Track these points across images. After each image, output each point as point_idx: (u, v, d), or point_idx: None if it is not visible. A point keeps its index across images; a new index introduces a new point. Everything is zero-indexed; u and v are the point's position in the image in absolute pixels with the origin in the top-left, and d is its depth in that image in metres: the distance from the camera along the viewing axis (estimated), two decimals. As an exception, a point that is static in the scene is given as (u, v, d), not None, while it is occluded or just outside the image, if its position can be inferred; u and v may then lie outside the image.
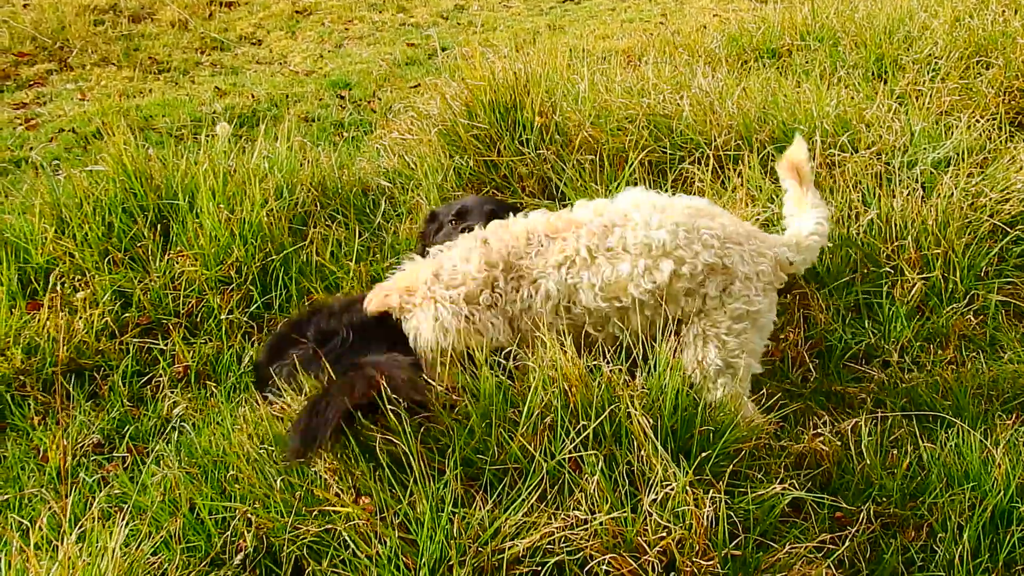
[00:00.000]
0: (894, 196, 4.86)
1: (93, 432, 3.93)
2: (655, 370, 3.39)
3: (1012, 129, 5.94)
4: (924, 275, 4.56)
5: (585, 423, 3.14)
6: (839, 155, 5.27)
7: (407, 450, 3.07)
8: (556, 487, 3.10)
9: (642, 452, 3.14)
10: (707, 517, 2.97)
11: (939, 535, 3.31)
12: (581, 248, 3.63)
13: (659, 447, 3.11)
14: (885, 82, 6.88)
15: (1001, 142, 5.53)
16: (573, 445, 3.10)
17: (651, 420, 3.16)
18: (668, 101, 5.79)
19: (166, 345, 4.42)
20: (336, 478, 3.17)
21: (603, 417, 3.13)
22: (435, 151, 5.56)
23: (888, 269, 4.60)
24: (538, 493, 3.06)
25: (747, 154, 5.24)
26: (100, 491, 3.54)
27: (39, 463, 3.78)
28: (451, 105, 5.57)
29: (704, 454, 3.20)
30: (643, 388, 3.31)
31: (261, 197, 4.84)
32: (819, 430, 3.74)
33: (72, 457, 3.75)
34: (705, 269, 3.63)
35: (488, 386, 3.28)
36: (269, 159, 5.42)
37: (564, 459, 3.11)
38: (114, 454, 3.83)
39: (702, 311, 3.69)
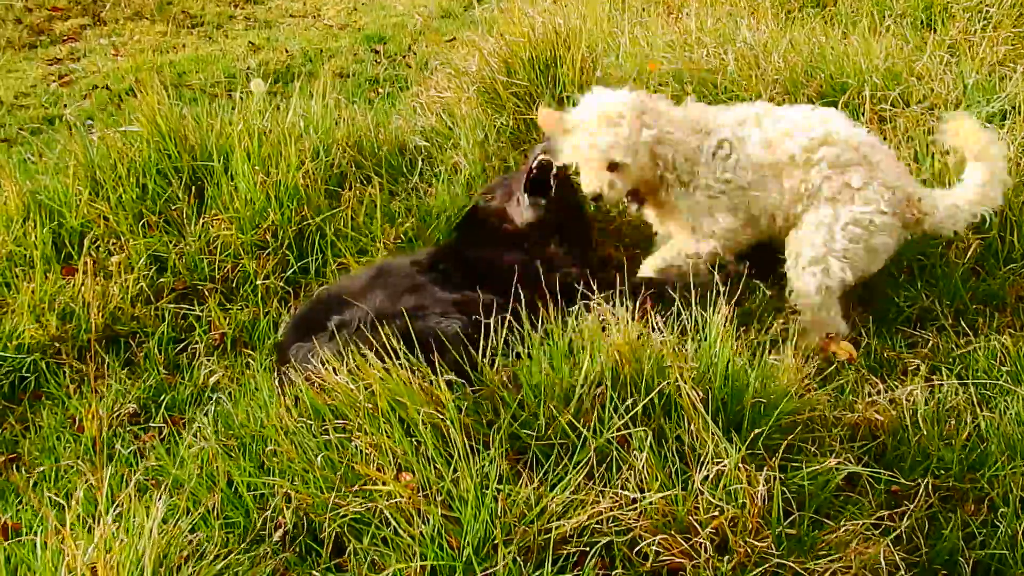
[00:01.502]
0: (947, 152, 4.67)
1: (129, 401, 3.88)
2: (706, 340, 3.27)
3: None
4: (980, 235, 4.38)
5: (635, 397, 3.03)
6: (890, 110, 5.07)
7: (451, 424, 2.99)
8: (604, 464, 3.00)
9: (692, 427, 3.02)
10: (760, 495, 2.86)
11: (1000, 509, 3.19)
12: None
13: (709, 421, 2.99)
14: (934, 31, 6.64)
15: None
16: (623, 421, 2.99)
17: (701, 393, 3.05)
18: (712, 55, 5.60)
19: (202, 311, 4.35)
20: (378, 452, 3.08)
21: (653, 393, 3.01)
22: (474, 109, 5.41)
23: (943, 229, 4.43)
24: (586, 471, 2.96)
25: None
26: (136, 463, 3.49)
27: (74, 433, 3.74)
28: (489, 62, 5.41)
29: (756, 429, 3.09)
30: (693, 360, 3.19)
31: (297, 159, 4.72)
32: (874, 399, 3.61)
33: (108, 428, 3.70)
34: (857, 155, 4.04)
35: (538, 357, 3.18)
36: (304, 118, 5.30)
37: (612, 435, 3.01)
38: (150, 424, 3.78)
39: (835, 199, 4.03)
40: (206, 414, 3.73)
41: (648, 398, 3.00)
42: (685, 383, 3.02)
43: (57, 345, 4.15)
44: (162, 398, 3.90)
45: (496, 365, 3.26)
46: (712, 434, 2.98)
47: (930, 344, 4.05)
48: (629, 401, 3.05)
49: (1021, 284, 4.31)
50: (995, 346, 3.98)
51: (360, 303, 3.58)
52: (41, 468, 3.56)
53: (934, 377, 3.82)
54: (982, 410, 3.57)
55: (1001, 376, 3.79)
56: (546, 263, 3.87)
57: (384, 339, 3.19)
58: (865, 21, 6.58)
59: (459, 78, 5.80)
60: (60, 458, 3.58)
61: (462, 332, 3.38)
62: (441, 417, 3.05)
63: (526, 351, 3.26)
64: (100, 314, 4.22)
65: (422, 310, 3.53)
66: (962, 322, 4.15)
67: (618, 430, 3.01)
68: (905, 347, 4.09)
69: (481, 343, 3.29)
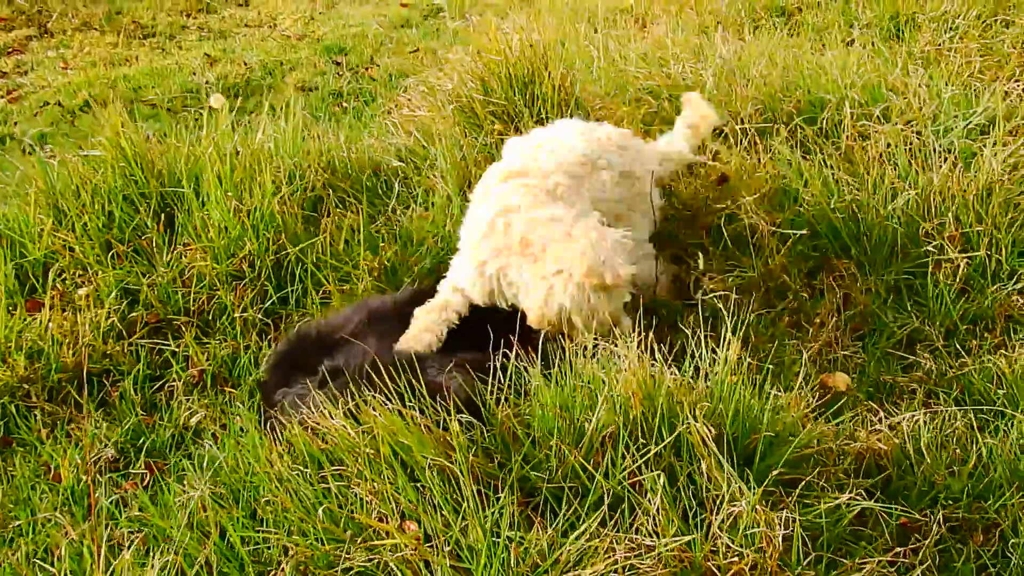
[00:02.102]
0: (929, 168, 4.65)
1: (107, 446, 3.71)
2: (716, 371, 3.18)
3: (1036, 90, 5.72)
4: (967, 254, 4.36)
5: (645, 441, 2.94)
6: (871, 126, 5.05)
7: (460, 469, 2.88)
8: (616, 507, 2.90)
9: (704, 465, 2.94)
10: (779, 538, 2.78)
11: (1011, 540, 3.14)
12: None
13: (724, 461, 2.91)
14: (900, 40, 6.66)
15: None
16: (636, 465, 2.90)
17: (712, 429, 2.96)
18: (689, 71, 5.54)
19: (178, 346, 4.18)
20: (380, 500, 2.96)
21: (668, 440, 2.92)
22: (451, 128, 5.29)
23: (930, 248, 4.40)
24: (598, 516, 2.86)
25: (775, 127, 5.04)
26: (119, 514, 3.33)
27: (51, 483, 3.56)
28: (465, 81, 5.30)
29: (766, 463, 3.02)
30: (705, 394, 3.10)
31: (273, 184, 4.57)
32: (876, 427, 3.56)
33: (86, 475, 3.53)
34: None
35: (549, 397, 3.07)
36: (275, 139, 5.14)
37: (624, 477, 2.91)
38: (131, 470, 3.62)
39: None
40: (190, 457, 3.58)
41: (664, 443, 2.91)
42: (698, 421, 2.93)
43: (26, 387, 3.96)
44: (141, 442, 3.73)
45: (503, 405, 3.16)
46: (726, 473, 2.89)
47: (926, 367, 4.00)
48: (641, 441, 2.95)
49: (1009, 303, 4.28)
50: (990, 368, 3.95)
51: (351, 348, 3.45)
52: (17, 522, 3.38)
53: (931, 401, 3.79)
54: (983, 435, 3.54)
55: (998, 399, 3.76)
56: None
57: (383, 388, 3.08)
58: (836, 33, 6.59)
59: (433, 96, 5.67)
60: (36, 510, 3.40)
61: (465, 388, 3.26)
62: (449, 462, 2.93)
63: (534, 391, 3.15)
64: (70, 352, 4.04)
65: (420, 362, 3.40)
66: (955, 343, 4.13)
67: (630, 472, 2.92)
68: (899, 370, 4.05)
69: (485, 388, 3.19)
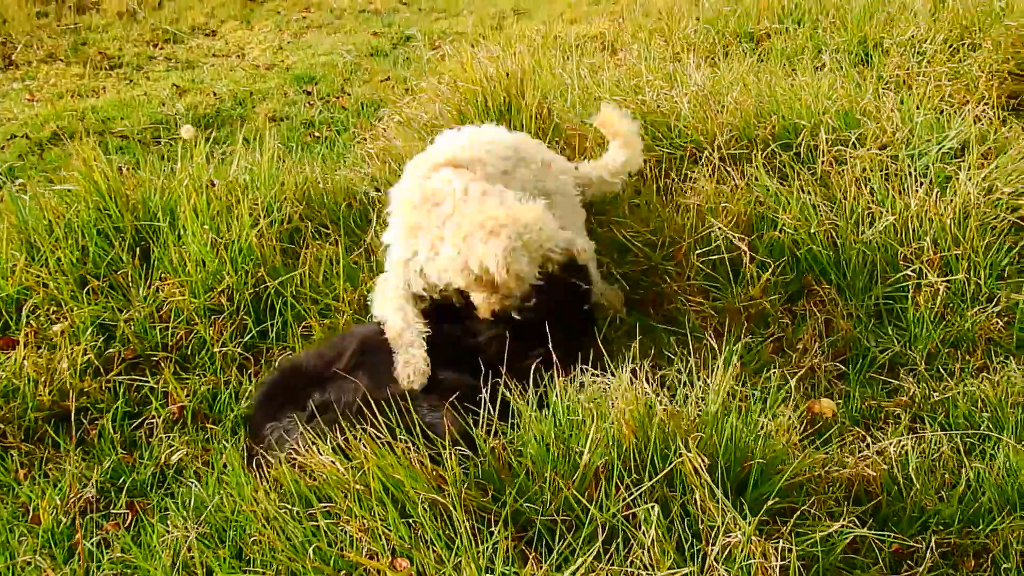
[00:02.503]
0: (905, 193, 4.69)
1: (87, 486, 3.62)
2: (709, 400, 3.17)
3: (1004, 114, 5.80)
4: (947, 277, 4.39)
5: (638, 472, 2.92)
6: (847, 151, 5.08)
7: (452, 504, 2.84)
8: (611, 540, 2.87)
9: (697, 495, 2.92)
10: (776, 569, 2.76)
11: (1003, 565, 3.14)
12: None
13: (718, 492, 2.89)
14: (868, 65, 6.73)
15: (998, 129, 5.37)
16: (632, 497, 2.87)
17: (706, 459, 2.95)
18: (664, 98, 5.56)
19: (157, 382, 4.11)
20: (370, 538, 2.91)
21: (663, 471, 2.90)
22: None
23: (909, 272, 4.43)
24: (593, 550, 2.83)
25: (751, 153, 5.06)
26: (101, 556, 3.25)
27: (30, 525, 3.47)
28: (441, 112, 5.28)
29: (758, 491, 3.01)
30: (697, 423, 3.09)
31: (250, 217, 4.52)
32: (864, 453, 3.55)
33: (66, 516, 3.45)
34: None
35: (542, 429, 3.05)
36: (251, 171, 5.09)
37: (619, 509, 2.88)
38: (112, 510, 3.54)
39: None
40: (172, 496, 3.51)
41: (660, 475, 2.89)
42: (692, 451, 2.91)
43: (1, 426, 3.87)
44: (122, 481, 3.64)
45: (496, 437, 3.13)
46: (720, 505, 2.87)
47: (910, 392, 4.01)
48: (635, 474, 2.93)
49: (989, 326, 4.31)
50: (974, 391, 3.96)
51: (342, 382, 3.41)
52: (-4, 567, 3.31)
53: (917, 426, 3.80)
54: (971, 459, 3.54)
55: (983, 423, 3.77)
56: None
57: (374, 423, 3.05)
58: (808, 58, 6.65)
59: (408, 126, 5.64)
60: (16, 553, 3.31)
61: (460, 421, 3.23)
62: (441, 496, 2.89)
63: (526, 422, 3.13)
64: (46, 390, 3.96)
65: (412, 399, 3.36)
66: (938, 367, 4.15)
67: (625, 504, 2.89)
68: (883, 394, 4.06)
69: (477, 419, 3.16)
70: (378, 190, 5.21)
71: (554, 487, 2.93)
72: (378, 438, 3.02)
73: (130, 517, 3.47)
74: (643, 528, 2.84)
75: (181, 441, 3.84)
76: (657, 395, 3.13)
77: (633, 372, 3.20)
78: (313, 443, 3.11)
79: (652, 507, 2.84)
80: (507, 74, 5.11)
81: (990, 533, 3.24)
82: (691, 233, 4.61)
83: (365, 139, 6.26)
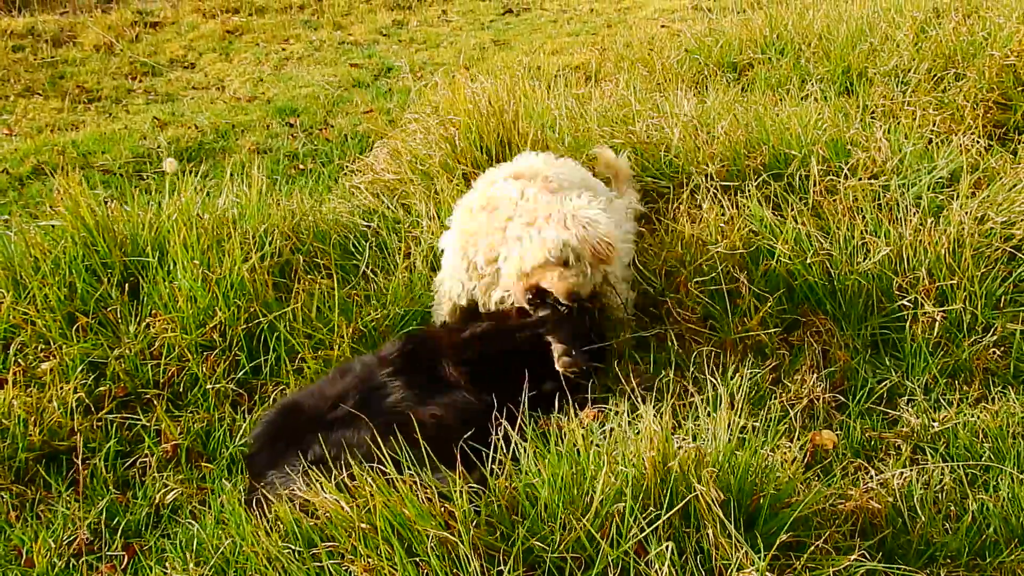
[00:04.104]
0: (898, 222, 4.69)
1: (80, 527, 3.53)
2: (722, 436, 3.14)
3: (991, 143, 5.84)
4: (943, 307, 4.38)
5: (655, 509, 2.87)
6: (838, 181, 5.08)
7: (461, 542, 2.78)
8: (623, 578, 2.83)
9: (710, 531, 2.88)
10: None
11: (1013, 599, 3.12)
12: None
13: (731, 528, 2.85)
14: (851, 93, 6.77)
15: (986, 158, 5.40)
16: (644, 534, 2.83)
17: (720, 494, 2.91)
18: (654, 128, 5.56)
19: (149, 420, 4.03)
20: (375, 579, 2.85)
21: (677, 507, 2.86)
22: (417, 188, 5.23)
23: (905, 302, 4.42)
24: (605, 589, 2.78)
25: (742, 183, 5.06)
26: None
27: (23, 568, 3.38)
28: (431, 143, 5.25)
29: (768, 526, 2.97)
30: (712, 460, 3.05)
31: (242, 251, 4.46)
32: (868, 484, 3.53)
33: (60, 558, 3.37)
34: None
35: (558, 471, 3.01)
36: (239, 204, 5.03)
37: (631, 547, 2.84)
38: (107, 552, 3.45)
39: None
40: (168, 537, 3.44)
41: (674, 510, 2.84)
42: (708, 488, 2.87)
43: (-8, 468, 3.79)
44: (116, 521, 3.56)
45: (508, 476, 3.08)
46: (734, 540, 2.83)
47: (910, 423, 3.99)
48: (651, 510, 2.89)
49: (987, 356, 4.30)
50: (974, 422, 3.94)
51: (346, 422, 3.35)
52: (-11, 613, 3.21)
53: (918, 457, 3.77)
54: (974, 490, 3.52)
55: (984, 453, 3.75)
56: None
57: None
58: (794, 88, 6.67)
59: (397, 159, 5.60)
60: (10, 598, 3.23)
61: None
62: (450, 534, 2.83)
63: (535, 459, 3.08)
64: (36, 429, 3.87)
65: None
66: (936, 397, 4.13)
67: (637, 542, 2.84)
68: (884, 425, 4.04)
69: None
70: (368, 225, 5.17)
71: (566, 525, 2.88)
72: (384, 474, 2.96)
73: (126, 559, 3.39)
74: (655, 565, 2.79)
75: (175, 480, 3.77)
76: (674, 432, 3.09)
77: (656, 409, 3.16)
78: (317, 480, 3.04)
79: (668, 545, 2.80)
80: (501, 109, 5.08)
81: (998, 565, 3.22)
82: (690, 263, 4.58)
83: (354, 171, 6.21)
